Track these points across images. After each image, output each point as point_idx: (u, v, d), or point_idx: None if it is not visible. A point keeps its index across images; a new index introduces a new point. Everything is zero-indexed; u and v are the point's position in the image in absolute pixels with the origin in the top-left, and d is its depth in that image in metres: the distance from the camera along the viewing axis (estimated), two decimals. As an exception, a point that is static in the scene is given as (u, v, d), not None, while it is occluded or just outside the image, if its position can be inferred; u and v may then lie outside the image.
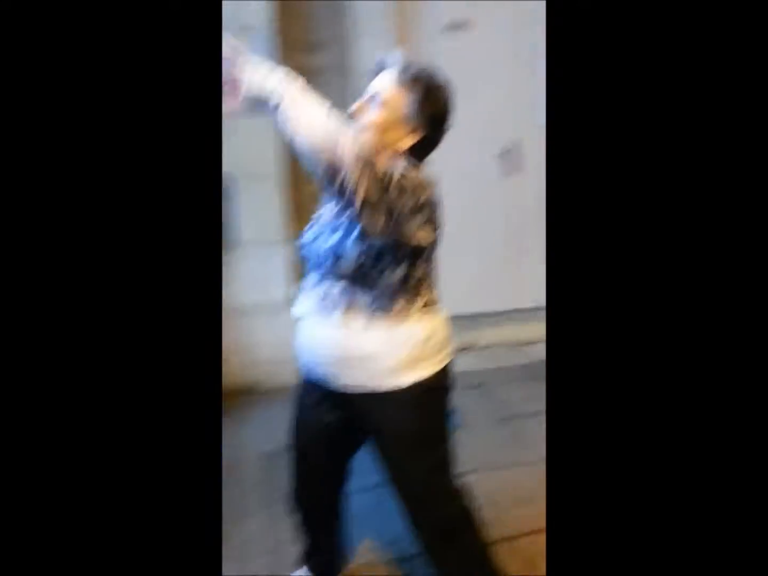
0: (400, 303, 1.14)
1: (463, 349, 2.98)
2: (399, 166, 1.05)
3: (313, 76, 2.50)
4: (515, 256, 3.12)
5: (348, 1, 2.53)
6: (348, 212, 1.05)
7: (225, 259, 2.55)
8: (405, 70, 1.13)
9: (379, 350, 1.13)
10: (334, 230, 1.15)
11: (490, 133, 2.94)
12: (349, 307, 1.13)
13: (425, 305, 1.18)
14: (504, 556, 1.41)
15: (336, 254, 1.13)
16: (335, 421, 1.31)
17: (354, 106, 1.16)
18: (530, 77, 2.86)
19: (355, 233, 1.10)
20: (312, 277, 1.21)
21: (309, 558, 1.53)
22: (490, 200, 3.02)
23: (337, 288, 1.15)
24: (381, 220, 1.02)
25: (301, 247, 1.26)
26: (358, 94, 1.18)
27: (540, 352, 2.73)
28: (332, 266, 1.14)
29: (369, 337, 1.13)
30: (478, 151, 2.94)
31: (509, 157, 2.98)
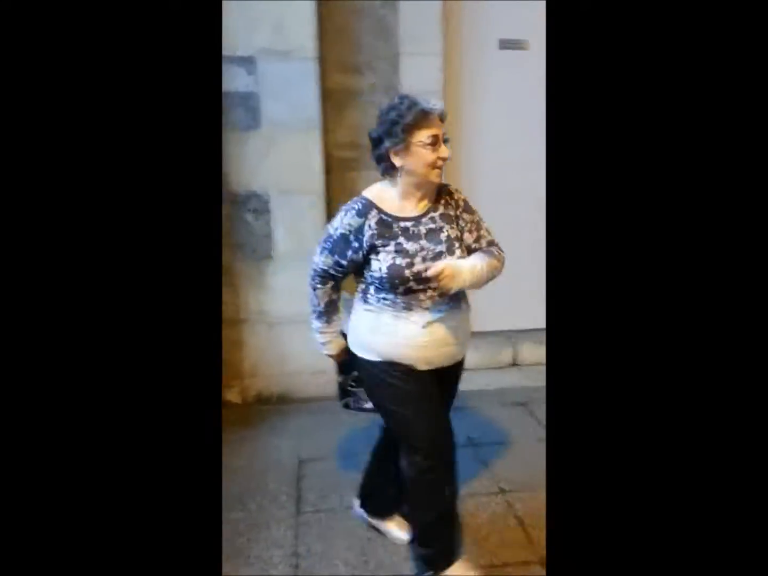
0: None
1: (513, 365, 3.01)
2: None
3: (360, 96, 2.56)
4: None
5: (396, 19, 2.56)
6: None
7: (260, 270, 2.62)
8: (442, 110, 1.42)
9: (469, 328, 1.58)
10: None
11: (542, 148, 2.91)
12: (460, 296, 1.51)
13: None
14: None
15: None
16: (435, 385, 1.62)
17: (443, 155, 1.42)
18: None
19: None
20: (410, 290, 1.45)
21: (368, 499, 1.84)
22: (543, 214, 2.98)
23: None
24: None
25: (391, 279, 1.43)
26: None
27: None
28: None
29: (469, 316, 1.57)
30: (534, 165, 2.90)
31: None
